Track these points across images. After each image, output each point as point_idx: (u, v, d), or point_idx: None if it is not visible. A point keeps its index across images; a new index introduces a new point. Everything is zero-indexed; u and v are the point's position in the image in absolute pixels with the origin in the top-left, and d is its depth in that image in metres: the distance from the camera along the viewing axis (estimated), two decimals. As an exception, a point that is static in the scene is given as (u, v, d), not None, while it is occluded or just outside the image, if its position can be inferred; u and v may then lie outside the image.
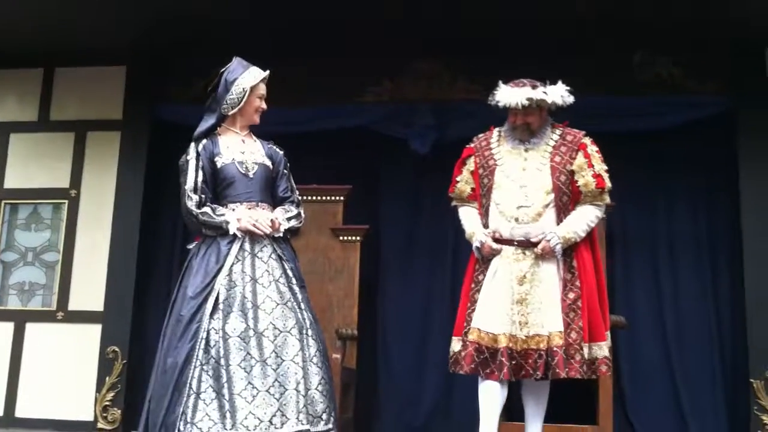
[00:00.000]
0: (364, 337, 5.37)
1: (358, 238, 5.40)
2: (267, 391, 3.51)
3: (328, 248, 5.40)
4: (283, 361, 3.56)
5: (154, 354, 3.76)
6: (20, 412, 5.70)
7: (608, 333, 3.88)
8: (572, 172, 3.87)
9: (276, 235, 3.78)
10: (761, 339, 5.04)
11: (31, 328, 5.83)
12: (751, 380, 5.02)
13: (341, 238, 5.41)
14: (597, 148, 3.95)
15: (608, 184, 3.90)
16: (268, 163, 3.89)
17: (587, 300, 3.77)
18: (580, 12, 5.18)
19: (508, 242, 3.85)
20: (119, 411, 5.47)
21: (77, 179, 5.99)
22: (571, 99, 3.89)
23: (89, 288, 5.78)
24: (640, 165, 5.53)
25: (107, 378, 5.53)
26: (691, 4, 5.03)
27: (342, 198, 5.47)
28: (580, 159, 3.90)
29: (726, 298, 5.39)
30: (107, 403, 5.50)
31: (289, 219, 3.84)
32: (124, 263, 5.71)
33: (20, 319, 5.84)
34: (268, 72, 3.91)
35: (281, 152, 3.99)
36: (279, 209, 3.87)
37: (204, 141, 3.86)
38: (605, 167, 3.91)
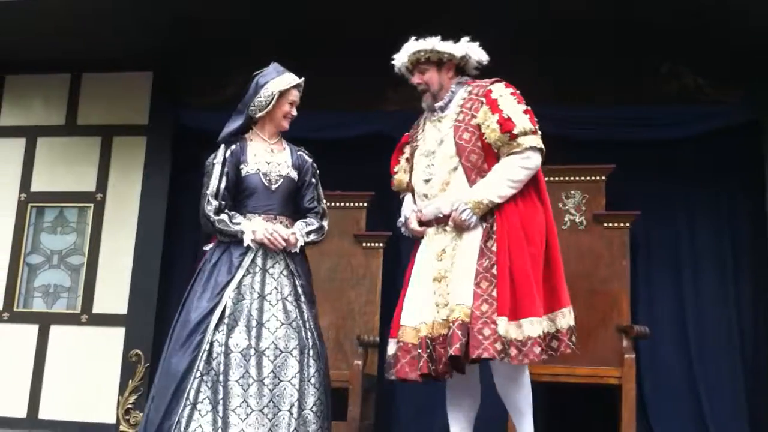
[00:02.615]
0: (385, 343, 5.35)
1: (380, 244, 5.39)
2: (261, 410, 3.50)
3: (350, 254, 5.41)
4: (281, 381, 3.56)
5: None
6: (43, 413, 5.75)
7: (565, 310, 3.35)
8: (478, 127, 3.42)
9: (292, 251, 3.74)
10: (784, 350, 4.98)
11: (56, 331, 5.88)
12: (774, 391, 4.97)
13: (364, 244, 5.42)
14: (512, 90, 3.45)
15: (521, 124, 3.33)
16: (294, 174, 3.86)
17: (508, 266, 3.25)
18: (606, 21, 5.16)
19: (429, 223, 3.53)
20: (141, 414, 5.50)
21: (103, 183, 6.05)
22: (471, 48, 3.56)
23: (113, 291, 5.83)
24: (663, 174, 5.50)
25: (130, 381, 5.57)
26: (716, 15, 4.99)
27: (365, 204, 5.48)
28: (483, 109, 3.42)
29: (749, 308, 5.33)
30: (129, 406, 5.53)
31: (309, 233, 3.80)
32: (148, 267, 5.75)
33: (45, 322, 5.90)
34: (302, 79, 3.85)
35: (310, 160, 3.94)
36: (300, 222, 3.82)
37: (233, 146, 3.82)
38: (523, 108, 3.39)
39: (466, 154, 3.41)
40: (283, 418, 3.51)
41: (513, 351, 3.20)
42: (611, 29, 5.24)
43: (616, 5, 4.98)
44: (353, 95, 5.70)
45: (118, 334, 5.72)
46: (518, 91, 3.49)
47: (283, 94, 3.81)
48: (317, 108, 5.47)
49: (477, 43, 3.62)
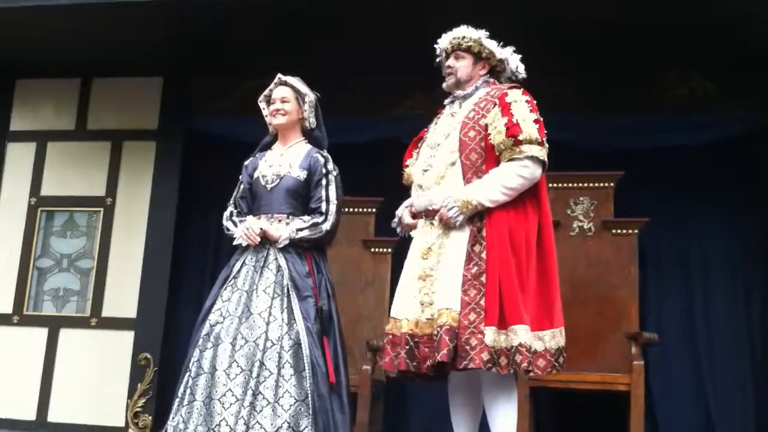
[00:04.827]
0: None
1: (389, 249, 5.39)
2: (218, 399, 3.58)
3: (359, 260, 5.41)
4: (243, 370, 3.61)
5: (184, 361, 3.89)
6: (52, 416, 5.77)
7: (556, 331, 3.33)
8: (486, 127, 3.40)
9: (277, 246, 3.81)
10: (793, 359, 4.97)
11: (65, 334, 5.90)
12: (783, 400, 4.95)
13: (372, 249, 5.42)
14: (527, 98, 3.44)
15: (527, 131, 3.32)
16: (300, 174, 3.92)
17: (498, 275, 3.22)
18: (616, 28, 5.16)
19: (419, 215, 3.51)
20: (150, 417, 5.52)
21: (113, 188, 6.07)
22: (512, 57, 3.64)
23: (123, 295, 5.85)
24: (672, 181, 5.49)
25: (139, 384, 5.59)
26: (725, 21, 4.98)
27: (374, 210, 5.48)
28: (494, 111, 3.40)
29: (758, 315, 5.31)
30: (138, 409, 5.55)
31: (300, 229, 3.82)
32: (157, 271, 5.77)
33: (54, 325, 5.92)
34: (277, 77, 4.06)
35: (323, 161, 3.96)
36: (296, 219, 3.87)
37: (253, 158, 4.08)
38: (534, 117, 3.38)
39: (467, 152, 3.40)
40: (233, 409, 3.55)
41: (503, 360, 3.19)
42: (619, 34, 5.22)
43: (624, 9, 4.97)
44: (362, 100, 5.71)
45: (128, 337, 5.74)
46: (534, 101, 3.49)
47: (268, 102, 4.08)
48: (326, 113, 5.52)
49: (519, 57, 3.67)
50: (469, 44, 3.62)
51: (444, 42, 3.71)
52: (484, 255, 3.27)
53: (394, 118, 5.71)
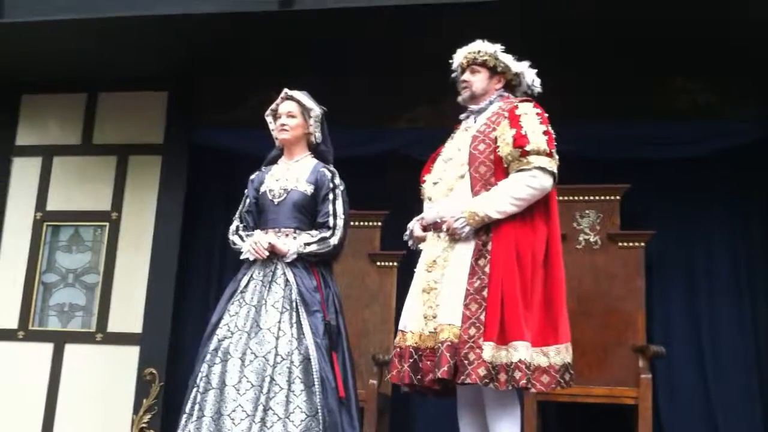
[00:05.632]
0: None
1: (394, 263, 5.37)
2: (228, 415, 3.56)
3: (364, 273, 5.39)
4: (253, 386, 3.60)
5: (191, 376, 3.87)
6: (58, 432, 5.75)
7: (561, 347, 3.31)
8: (495, 140, 3.40)
9: (285, 260, 3.80)
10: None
11: (70, 349, 5.89)
12: (791, 412, 4.90)
13: (378, 263, 5.40)
14: (538, 111, 3.45)
15: (535, 142, 3.31)
16: (307, 189, 3.92)
17: (500, 290, 3.21)
18: (619, 38, 5.15)
19: (428, 228, 3.52)
20: (156, 433, 5.51)
21: (118, 202, 6.07)
22: (528, 71, 3.64)
23: (128, 310, 5.84)
24: (678, 192, 5.47)
25: (144, 400, 5.57)
26: (729, 30, 4.97)
27: (379, 223, 5.47)
28: (503, 123, 3.41)
29: (765, 327, 5.27)
30: (144, 425, 5.53)
31: (307, 244, 3.81)
32: (162, 285, 5.76)
33: (60, 340, 5.91)
34: (283, 92, 4.05)
35: (329, 175, 3.96)
36: (304, 234, 3.86)
37: (258, 173, 4.07)
38: (543, 128, 3.37)
39: (476, 165, 3.41)
40: (244, 422, 3.54)
41: (502, 376, 3.18)
42: (622, 45, 5.22)
43: (626, 18, 4.96)
44: (367, 113, 5.71)
45: (133, 352, 5.72)
46: (546, 114, 3.49)
47: (274, 115, 4.07)
48: (331, 126, 5.53)
49: (535, 71, 3.68)
50: (485, 58, 3.63)
51: (459, 56, 3.71)
52: (487, 269, 3.27)
53: (399, 131, 5.72)
